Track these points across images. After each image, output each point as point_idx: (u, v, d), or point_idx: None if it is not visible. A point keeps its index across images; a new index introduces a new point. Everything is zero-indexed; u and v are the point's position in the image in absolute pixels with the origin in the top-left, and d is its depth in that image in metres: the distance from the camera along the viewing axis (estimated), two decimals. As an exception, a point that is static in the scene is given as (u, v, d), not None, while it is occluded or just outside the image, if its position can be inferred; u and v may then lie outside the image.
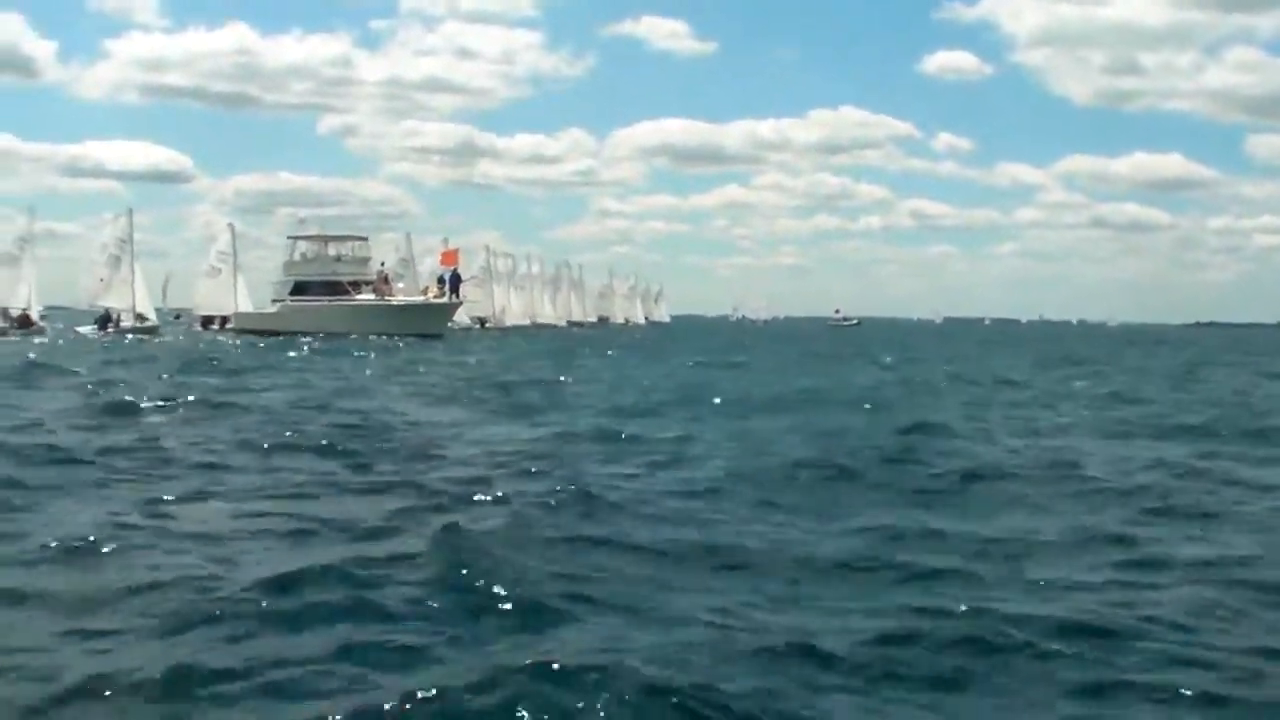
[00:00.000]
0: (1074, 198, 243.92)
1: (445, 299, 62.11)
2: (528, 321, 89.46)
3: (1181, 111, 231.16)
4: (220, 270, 67.26)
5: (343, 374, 29.18)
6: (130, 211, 64.57)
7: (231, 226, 68.36)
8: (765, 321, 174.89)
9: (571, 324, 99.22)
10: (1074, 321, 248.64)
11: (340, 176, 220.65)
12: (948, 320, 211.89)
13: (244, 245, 67.09)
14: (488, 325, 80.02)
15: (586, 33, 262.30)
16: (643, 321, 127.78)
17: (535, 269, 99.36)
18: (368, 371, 30.74)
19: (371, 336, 53.22)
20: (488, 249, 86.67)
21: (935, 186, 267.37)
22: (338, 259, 63.11)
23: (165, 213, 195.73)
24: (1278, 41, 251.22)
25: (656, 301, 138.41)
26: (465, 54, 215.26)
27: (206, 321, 65.94)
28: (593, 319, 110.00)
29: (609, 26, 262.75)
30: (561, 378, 28.99)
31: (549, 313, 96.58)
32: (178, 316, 69.87)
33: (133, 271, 63.66)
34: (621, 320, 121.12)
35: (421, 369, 32.36)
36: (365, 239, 65.90)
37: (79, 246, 65.58)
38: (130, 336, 55.78)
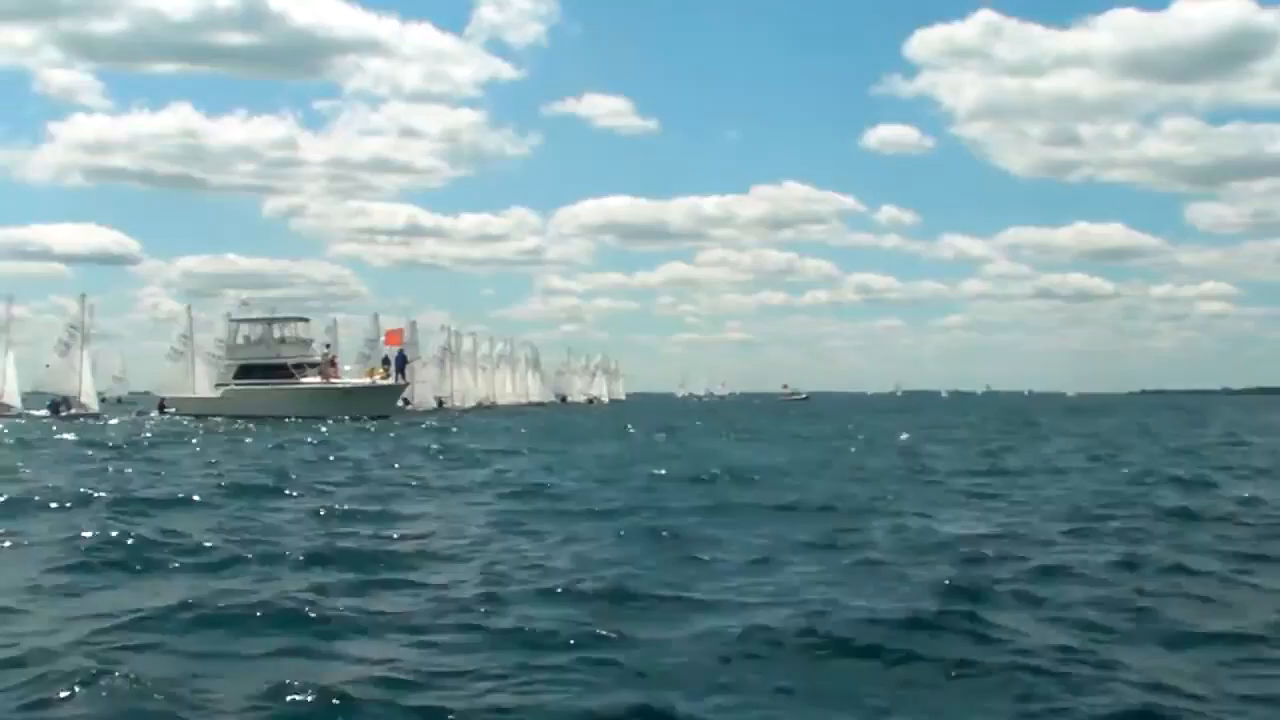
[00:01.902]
0: (1018, 268, 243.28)
1: (392, 380, 59.96)
2: (487, 402, 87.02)
3: (1121, 181, 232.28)
4: (183, 353, 65.48)
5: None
6: (84, 297, 62.99)
7: (189, 309, 66.95)
8: (721, 398, 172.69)
9: (532, 404, 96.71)
10: (1026, 392, 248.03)
11: (287, 258, 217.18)
12: (906, 394, 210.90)
13: (194, 328, 64.74)
14: (445, 406, 77.42)
15: (529, 111, 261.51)
16: (606, 400, 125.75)
17: (498, 348, 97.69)
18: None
19: (327, 421, 50.88)
20: (447, 329, 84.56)
21: (880, 260, 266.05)
22: (281, 341, 60.94)
23: (112, 295, 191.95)
24: (1213, 111, 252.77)
25: (614, 379, 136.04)
26: (409, 133, 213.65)
27: (163, 405, 63.84)
28: (551, 398, 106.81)
29: (551, 105, 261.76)
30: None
31: (508, 392, 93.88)
32: (133, 403, 67.27)
33: (81, 359, 61.96)
34: (584, 399, 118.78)
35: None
36: (308, 320, 64.35)
37: (29, 330, 62.41)
38: (81, 420, 53.75)
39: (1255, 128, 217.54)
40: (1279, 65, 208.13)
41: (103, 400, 65.82)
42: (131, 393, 65.75)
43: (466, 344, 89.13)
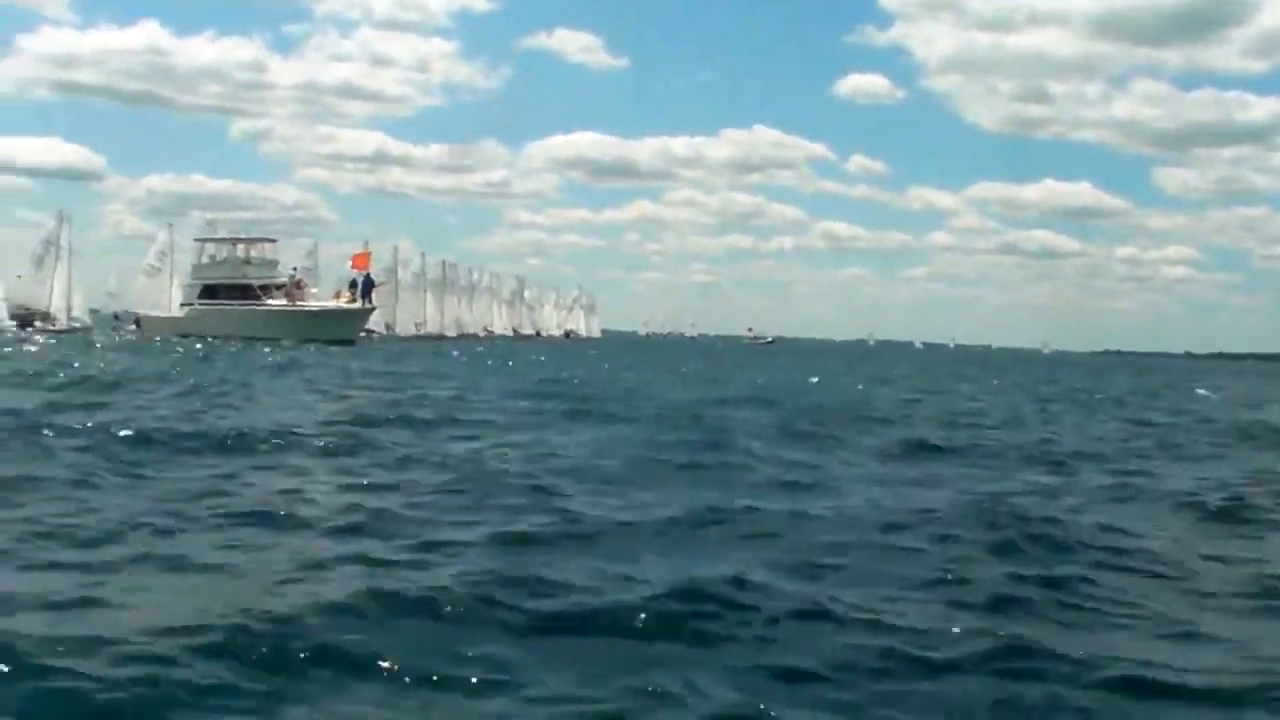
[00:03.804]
0: (985, 223, 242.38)
1: (358, 304, 58.30)
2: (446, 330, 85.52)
3: (1090, 141, 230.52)
4: (160, 270, 64.30)
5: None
6: (62, 212, 61.41)
7: (170, 227, 65.35)
8: (691, 339, 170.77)
9: (493, 334, 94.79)
10: (993, 346, 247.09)
11: (253, 181, 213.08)
12: (880, 343, 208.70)
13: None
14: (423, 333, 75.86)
15: (501, 44, 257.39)
16: (584, 334, 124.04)
17: (485, 279, 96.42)
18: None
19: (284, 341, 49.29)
20: (443, 263, 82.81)
21: (848, 208, 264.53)
22: (247, 262, 59.33)
23: (76, 211, 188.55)
24: (1184, 76, 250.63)
25: (590, 314, 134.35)
26: (380, 61, 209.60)
27: (139, 321, 62.56)
28: (509, 331, 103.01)
29: (523, 39, 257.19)
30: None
31: (467, 319, 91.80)
32: (116, 317, 65.45)
33: (54, 273, 60.34)
34: (559, 333, 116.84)
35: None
36: (274, 241, 62.94)
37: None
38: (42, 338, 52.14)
39: (1225, 95, 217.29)
40: (1251, 33, 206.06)
41: (94, 313, 64.57)
42: (91, 309, 63.58)
43: (448, 273, 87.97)
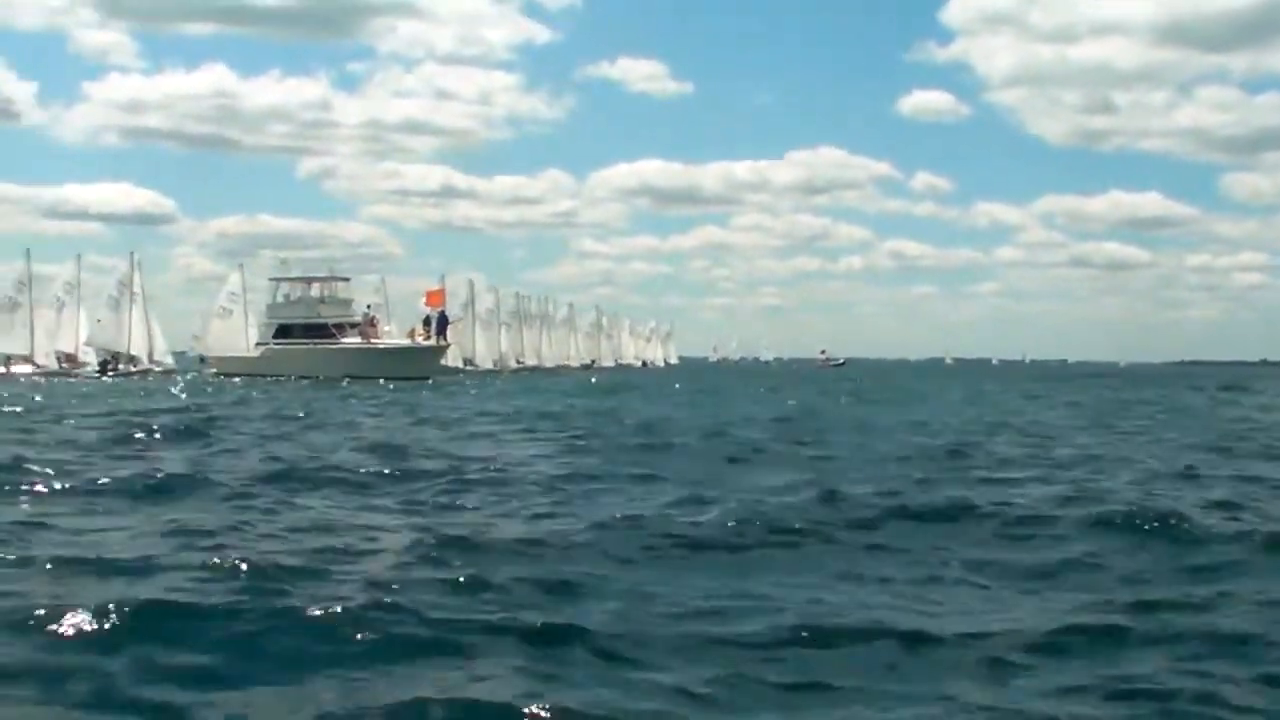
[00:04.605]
0: (1053, 236, 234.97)
1: (433, 341, 56.87)
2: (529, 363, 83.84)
3: (1156, 150, 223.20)
4: (231, 311, 63.17)
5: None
6: (133, 255, 60.91)
7: (241, 267, 64.71)
8: (767, 363, 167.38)
9: (582, 366, 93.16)
10: (1069, 361, 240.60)
11: (320, 219, 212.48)
12: (958, 361, 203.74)
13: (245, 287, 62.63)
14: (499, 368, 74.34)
15: (563, 74, 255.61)
16: (661, 364, 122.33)
17: (561, 311, 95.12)
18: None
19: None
20: (516, 295, 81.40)
21: (914, 226, 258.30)
22: (321, 300, 58.31)
23: (146, 255, 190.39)
24: (1251, 80, 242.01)
25: (667, 342, 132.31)
26: (443, 95, 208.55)
27: (204, 359, 62.97)
28: (586, 361, 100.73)
29: (586, 68, 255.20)
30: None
31: (546, 352, 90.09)
32: (202, 360, 64.49)
33: (130, 316, 59.77)
34: (638, 363, 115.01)
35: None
36: (348, 280, 61.80)
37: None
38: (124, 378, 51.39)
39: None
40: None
41: (180, 355, 64.18)
42: (175, 352, 63.07)
43: (530, 306, 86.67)
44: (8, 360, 56.49)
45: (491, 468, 13.51)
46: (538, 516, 9.77)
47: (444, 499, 10.81)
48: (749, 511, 9.64)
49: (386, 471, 12.82)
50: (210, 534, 8.26)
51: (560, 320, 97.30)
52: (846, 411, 30.88)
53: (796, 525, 9.16)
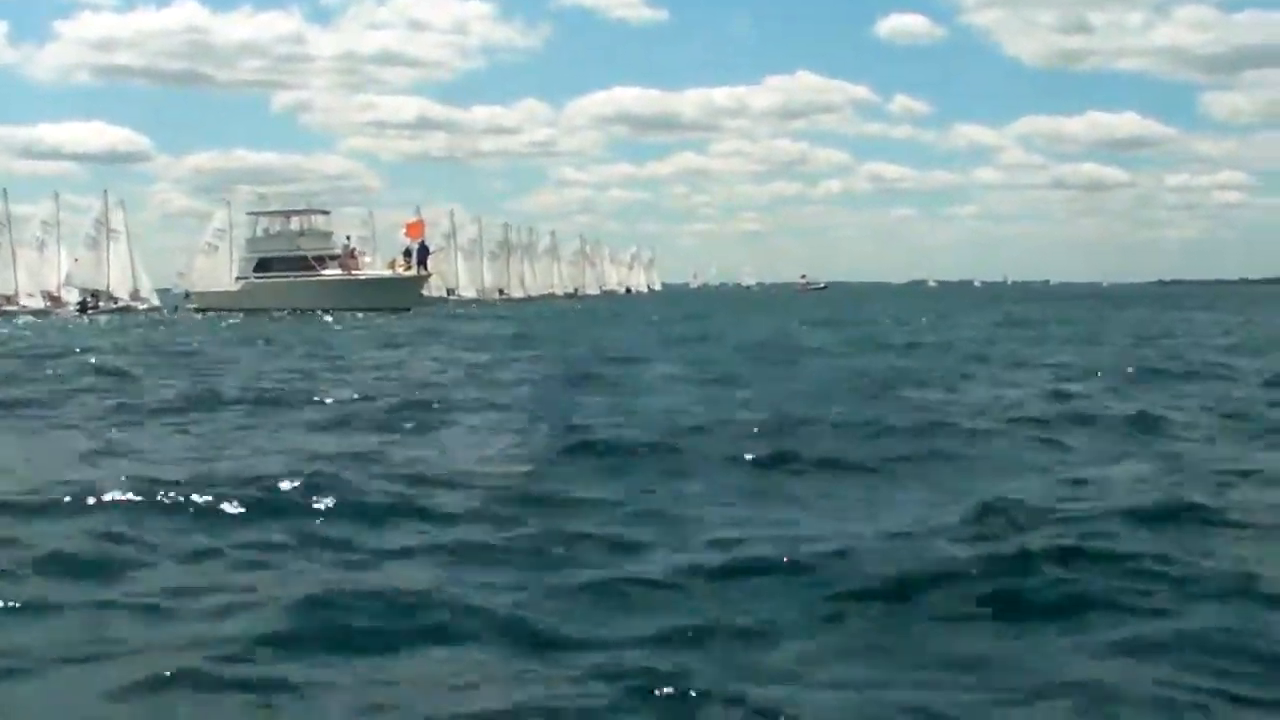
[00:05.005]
0: (1031, 158, 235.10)
1: (414, 272, 56.53)
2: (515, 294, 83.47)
3: (1133, 70, 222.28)
4: (217, 247, 62.62)
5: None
6: (106, 193, 60.17)
7: (229, 204, 63.83)
8: (748, 288, 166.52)
9: (566, 295, 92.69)
10: (1051, 282, 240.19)
11: (297, 153, 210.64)
12: (940, 284, 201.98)
13: (207, 224, 61.84)
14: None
15: (538, 2, 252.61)
16: (645, 290, 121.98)
17: (544, 241, 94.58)
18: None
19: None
20: (505, 225, 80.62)
21: (893, 149, 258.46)
22: (300, 234, 57.81)
23: (123, 192, 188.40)
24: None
25: (649, 269, 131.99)
26: (418, 26, 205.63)
27: (189, 295, 61.66)
28: (570, 289, 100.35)
29: None
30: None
31: (530, 281, 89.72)
32: (187, 296, 63.70)
33: (108, 253, 59.09)
34: (621, 290, 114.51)
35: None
36: (328, 213, 61.30)
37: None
38: (104, 318, 50.84)
39: (1272, 15, 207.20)
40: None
41: (165, 292, 63.60)
42: (158, 289, 62.50)
43: (511, 235, 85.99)
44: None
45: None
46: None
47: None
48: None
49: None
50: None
51: (543, 250, 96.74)
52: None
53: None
